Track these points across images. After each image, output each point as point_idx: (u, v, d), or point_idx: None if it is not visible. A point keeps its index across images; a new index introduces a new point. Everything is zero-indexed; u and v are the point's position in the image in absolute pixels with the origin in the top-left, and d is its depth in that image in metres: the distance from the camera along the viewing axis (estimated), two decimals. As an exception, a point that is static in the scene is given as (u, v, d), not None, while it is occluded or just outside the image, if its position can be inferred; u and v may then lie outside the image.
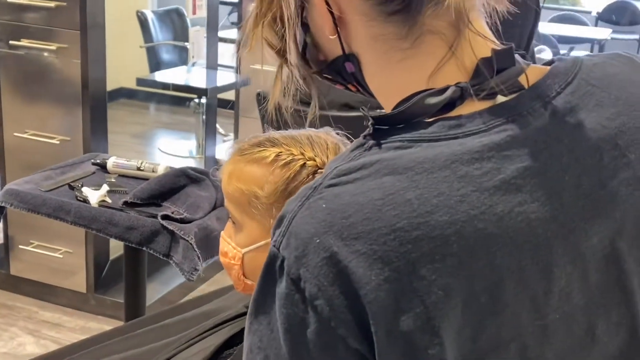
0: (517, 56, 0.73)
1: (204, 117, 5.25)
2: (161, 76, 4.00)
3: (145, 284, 2.23)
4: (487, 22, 0.75)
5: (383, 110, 0.75)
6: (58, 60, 2.97)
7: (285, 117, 0.91)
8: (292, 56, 0.80)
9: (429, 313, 0.64)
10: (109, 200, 2.06)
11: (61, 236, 3.17)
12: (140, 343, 1.40)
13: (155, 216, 1.95)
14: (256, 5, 0.80)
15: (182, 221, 1.91)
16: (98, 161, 2.29)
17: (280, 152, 1.20)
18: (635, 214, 0.72)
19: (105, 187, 2.07)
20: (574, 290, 0.69)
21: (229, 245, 1.26)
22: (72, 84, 2.98)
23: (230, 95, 4.73)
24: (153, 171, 2.21)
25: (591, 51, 8.17)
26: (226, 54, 4.92)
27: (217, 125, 4.79)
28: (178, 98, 5.42)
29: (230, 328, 1.25)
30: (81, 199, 2.05)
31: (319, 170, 1.18)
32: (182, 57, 5.38)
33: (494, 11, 0.75)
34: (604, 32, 7.72)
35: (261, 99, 3.00)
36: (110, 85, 3.14)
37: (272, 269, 0.69)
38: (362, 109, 0.75)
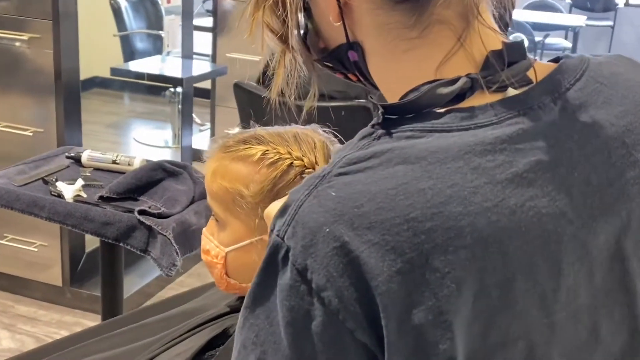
0: None
1: (179, 106, 5.21)
2: (136, 65, 3.94)
3: (123, 278, 2.20)
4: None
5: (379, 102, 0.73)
6: (30, 50, 2.91)
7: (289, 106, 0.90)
8: (294, 41, 0.79)
9: (441, 307, 0.62)
10: (84, 195, 2.02)
11: (36, 229, 3.13)
12: (118, 343, 1.37)
13: (131, 211, 1.91)
14: None
15: (160, 216, 1.87)
16: (72, 154, 2.25)
17: (267, 151, 1.17)
18: None
19: (80, 182, 2.03)
20: (580, 288, 0.68)
21: (212, 244, 1.23)
22: (44, 75, 2.92)
23: (206, 84, 4.69)
24: (129, 164, 2.18)
25: (565, 38, 8.19)
26: (201, 42, 4.87)
27: (193, 115, 4.74)
28: (153, 87, 5.36)
29: (212, 329, 1.22)
30: (55, 194, 2.01)
31: (307, 170, 1.15)
32: (157, 46, 5.32)
33: (499, 3, 0.75)
34: (578, 19, 7.75)
35: (238, 89, 2.96)
36: (83, 75, 3.09)
37: (274, 260, 0.67)
38: (371, 97, 0.74)
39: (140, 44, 5.30)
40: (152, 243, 1.86)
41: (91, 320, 3.19)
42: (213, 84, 4.62)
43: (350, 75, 0.81)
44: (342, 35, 0.76)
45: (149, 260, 1.89)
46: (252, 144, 1.18)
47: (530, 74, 0.71)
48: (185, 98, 4.16)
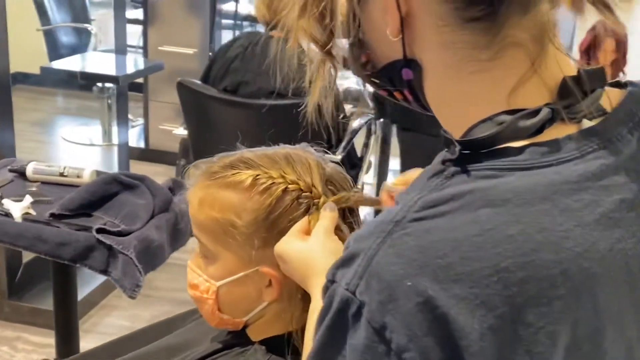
0: None
1: (109, 101, 5.03)
2: (68, 64, 3.76)
3: (77, 294, 2.08)
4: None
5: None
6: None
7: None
8: (339, 53, 0.75)
9: None
10: (34, 213, 1.88)
11: (-31, 242, 2.95)
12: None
13: (87, 229, 1.79)
14: None
15: (120, 234, 1.76)
16: (16, 167, 2.10)
17: (258, 175, 1.07)
18: None
19: (28, 199, 1.90)
20: None
21: (200, 278, 1.13)
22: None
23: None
24: (78, 176, 2.05)
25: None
26: (132, 35, 4.70)
27: (125, 111, 4.58)
28: (80, 83, 5.17)
29: (206, 370, 1.13)
30: (2, 213, 1.87)
31: (304, 194, 1.06)
32: (83, 40, 5.12)
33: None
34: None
35: (183, 88, 2.84)
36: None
37: (342, 317, 0.62)
38: (444, 131, 0.67)
39: (65, 38, 5.09)
40: (112, 263, 1.75)
41: (33, 334, 3.05)
42: (145, 78, 4.47)
43: (396, 94, 0.76)
44: (397, 50, 0.71)
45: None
46: (240, 168, 1.09)
47: (605, 102, 0.67)
48: (120, 95, 4.00)
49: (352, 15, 0.72)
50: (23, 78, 5.54)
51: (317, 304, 0.94)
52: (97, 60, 3.96)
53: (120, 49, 4.01)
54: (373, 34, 0.72)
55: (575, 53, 3.22)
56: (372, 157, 3.48)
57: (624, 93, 0.70)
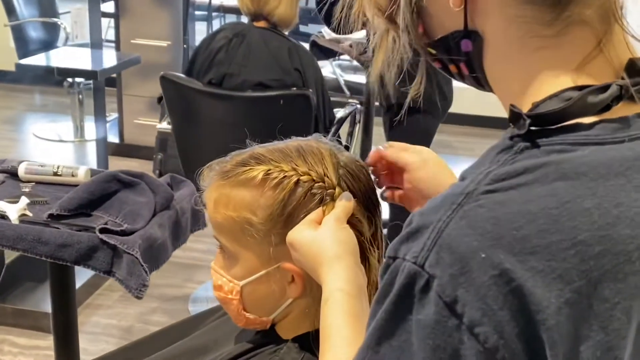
0: None
1: (80, 97, 4.95)
2: (44, 59, 3.68)
3: (75, 296, 2.04)
4: None
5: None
6: None
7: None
8: (402, 22, 0.72)
9: (610, 342, 0.57)
10: (30, 214, 1.84)
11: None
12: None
13: (89, 229, 1.75)
14: None
15: (123, 233, 1.72)
16: (7, 168, 2.05)
17: (269, 170, 1.05)
18: None
19: (24, 200, 1.85)
20: None
21: (224, 279, 1.11)
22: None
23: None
24: (72, 175, 2.00)
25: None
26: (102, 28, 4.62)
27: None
28: (50, 78, 5.07)
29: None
30: (-1, 216, 1.82)
31: (317, 184, 1.04)
32: (52, 35, 5.03)
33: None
34: None
35: (166, 81, 2.79)
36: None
37: (409, 292, 0.60)
38: (512, 105, 0.65)
39: (33, 33, 4.98)
40: (117, 263, 1.71)
41: (18, 336, 3.00)
42: (119, 73, 4.40)
43: (451, 67, 0.74)
44: (457, 21, 0.69)
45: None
46: (251, 165, 1.06)
47: None
48: (97, 90, 3.92)
49: None
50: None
51: (328, 295, 0.93)
52: (71, 56, 3.88)
53: (96, 43, 3.94)
54: (434, 4, 0.71)
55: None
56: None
57: None
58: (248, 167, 1.07)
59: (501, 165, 0.62)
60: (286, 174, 1.04)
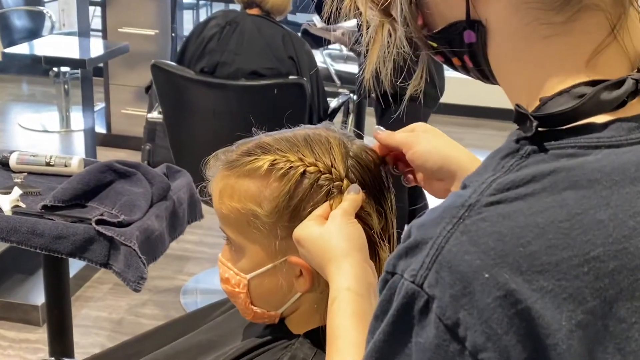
0: None
1: (65, 86, 4.89)
2: (31, 48, 3.61)
3: (69, 289, 2.00)
4: None
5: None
6: None
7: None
8: (401, 14, 0.68)
9: None
10: (23, 205, 1.79)
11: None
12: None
13: (84, 220, 1.71)
14: None
15: (120, 224, 1.68)
16: (-2, 158, 2.00)
17: (275, 160, 1.01)
18: None
19: (17, 191, 1.80)
20: None
21: (231, 271, 1.07)
22: None
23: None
24: (65, 165, 1.96)
25: None
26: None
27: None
28: (35, 67, 5.00)
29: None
30: (-10, 207, 1.77)
31: (323, 176, 1.00)
32: (38, 23, 4.95)
33: None
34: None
35: (157, 69, 2.75)
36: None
37: (408, 312, 0.56)
38: (518, 105, 0.60)
39: (18, 22, 4.91)
40: (113, 255, 1.66)
41: (7, 330, 2.95)
42: (106, 62, 4.34)
43: (454, 60, 0.69)
44: (459, 11, 0.65)
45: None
46: (257, 154, 1.02)
47: None
48: (85, 79, 3.86)
49: None
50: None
51: (335, 294, 0.90)
52: (58, 44, 3.82)
53: (84, 31, 3.87)
54: None
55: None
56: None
57: None
58: (253, 157, 1.03)
59: (506, 172, 0.57)
60: (292, 164, 1.00)
